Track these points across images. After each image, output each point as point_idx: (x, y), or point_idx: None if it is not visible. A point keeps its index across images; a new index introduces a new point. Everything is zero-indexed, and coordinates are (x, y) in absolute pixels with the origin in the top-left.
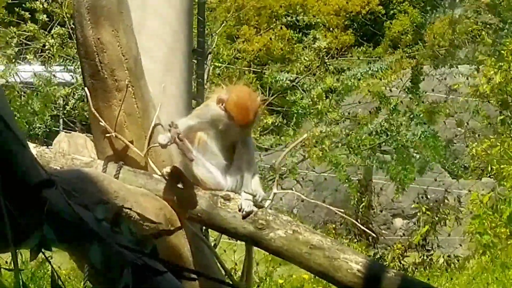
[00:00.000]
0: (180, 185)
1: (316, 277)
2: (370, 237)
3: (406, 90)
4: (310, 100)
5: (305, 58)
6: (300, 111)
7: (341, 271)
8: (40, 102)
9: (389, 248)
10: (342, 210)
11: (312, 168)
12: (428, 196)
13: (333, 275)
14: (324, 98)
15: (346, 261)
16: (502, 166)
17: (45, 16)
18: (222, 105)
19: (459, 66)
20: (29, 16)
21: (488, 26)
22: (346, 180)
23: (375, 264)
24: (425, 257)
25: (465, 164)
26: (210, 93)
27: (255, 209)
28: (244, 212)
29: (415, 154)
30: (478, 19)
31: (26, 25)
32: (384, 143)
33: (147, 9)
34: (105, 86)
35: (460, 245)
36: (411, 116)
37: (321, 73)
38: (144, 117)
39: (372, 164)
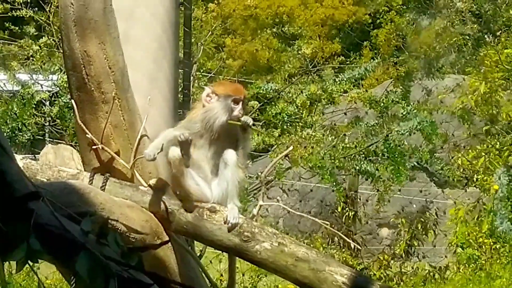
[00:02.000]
0: (165, 197)
1: None
2: (355, 247)
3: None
4: (295, 107)
5: (289, 65)
6: (285, 118)
7: (326, 283)
8: (18, 105)
9: (374, 257)
10: (327, 223)
11: (298, 175)
12: (415, 206)
13: (318, 287)
14: (308, 106)
15: (331, 273)
16: (485, 178)
17: (33, 29)
18: (212, 97)
19: (445, 77)
20: (19, 30)
21: (469, 36)
22: (334, 184)
23: (360, 277)
24: (410, 268)
25: (448, 176)
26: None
27: (240, 221)
28: (230, 224)
29: (407, 152)
30: (462, 30)
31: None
32: (375, 145)
33: (133, 21)
34: (92, 99)
35: (446, 256)
36: (403, 113)
37: (306, 81)
38: (130, 129)
39: (358, 169)
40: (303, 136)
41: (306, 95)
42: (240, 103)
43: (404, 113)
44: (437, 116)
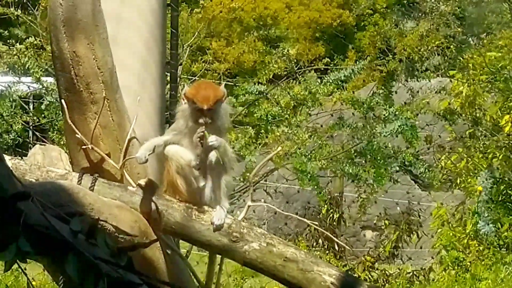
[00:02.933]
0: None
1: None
2: (341, 249)
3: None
4: (279, 109)
5: (273, 65)
6: (270, 119)
7: (314, 283)
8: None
9: (358, 259)
10: (316, 223)
11: (283, 178)
12: (399, 208)
13: None
14: (293, 108)
15: (320, 273)
16: (469, 180)
17: (22, 33)
18: (184, 98)
19: (431, 77)
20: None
21: (453, 39)
22: (315, 187)
23: (349, 277)
24: (395, 269)
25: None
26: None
27: (228, 221)
28: (215, 226)
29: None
30: (446, 33)
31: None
32: (359, 147)
33: (121, 22)
34: (81, 99)
35: (432, 257)
36: (385, 115)
37: (291, 85)
38: (119, 130)
39: (342, 169)
40: (284, 133)
41: (290, 95)
42: (207, 112)
43: (386, 115)
44: (422, 118)
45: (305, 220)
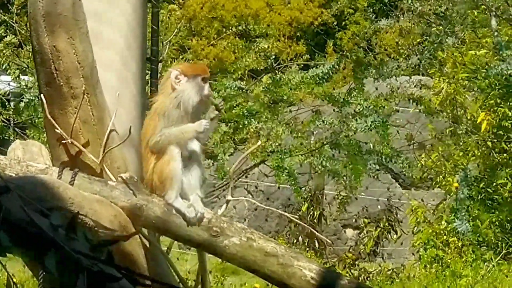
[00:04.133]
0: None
1: (268, 285)
2: (321, 247)
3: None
4: (255, 103)
5: (247, 60)
6: (246, 113)
7: (295, 278)
8: None
9: (338, 257)
10: (296, 216)
11: (264, 175)
12: (379, 207)
13: (287, 282)
14: (271, 103)
15: (300, 268)
16: (448, 178)
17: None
18: (181, 78)
19: (411, 76)
20: None
21: (433, 38)
22: (293, 183)
23: (329, 272)
24: (376, 267)
25: (411, 175)
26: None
27: (206, 217)
28: (198, 215)
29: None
30: (425, 31)
31: None
32: (334, 142)
33: (101, 18)
34: (61, 94)
35: (413, 254)
36: (360, 109)
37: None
38: (99, 124)
39: (320, 163)
40: (261, 129)
41: (263, 88)
42: (208, 82)
43: (360, 109)
44: (402, 116)
45: (286, 214)
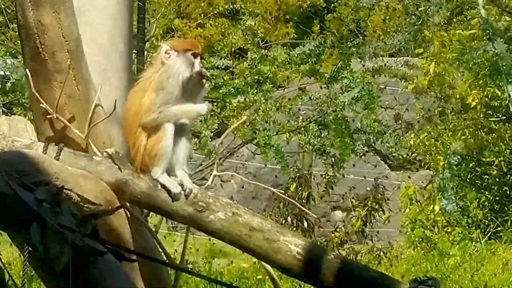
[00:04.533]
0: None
1: (256, 263)
2: (309, 227)
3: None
4: (242, 81)
5: (234, 37)
6: (232, 91)
7: (280, 253)
8: None
9: (327, 237)
10: (283, 191)
11: (252, 155)
12: (368, 188)
13: (273, 258)
14: (257, 82)
15: (286, 243)
16: (438, 157)
17: None
18: (171, 53)
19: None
20: None
21: (419, 17)
22: (279, 160)
23: (315, 247)
24: (364, 247)
25: (398, 155)
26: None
27: (193, 192)
28: (187, 190)
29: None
30: (414, 11)
31: None
32: (321, 120)
33: None
34: (46, 68)
35: (401, 231)
36: (346, 83)
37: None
38: (84, 99)
39: (308, 142)
40: (247, 103)
41: (248, 64)
42: (199, 57)
43: (347, 83)
44: (391, 98)
45: (274, 190)
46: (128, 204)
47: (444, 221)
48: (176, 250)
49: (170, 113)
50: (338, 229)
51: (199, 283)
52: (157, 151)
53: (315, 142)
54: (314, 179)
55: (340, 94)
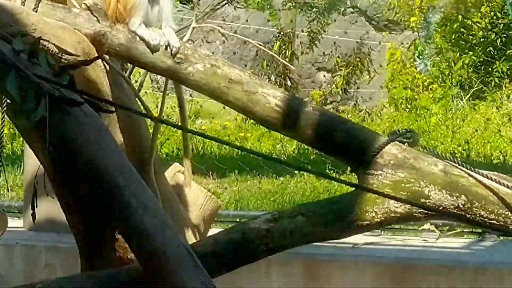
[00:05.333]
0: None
1: (237, 119)
2: (293, 85)
3: None
4: None
5: None
6: None
7: (259, 105)
8: None
9: (309, 97)
10: (262, 43)
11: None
12: (354, 50)
13: (252, 110)
14: None
15: (265, 95)
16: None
17: None
18: None
19: None
20: None
21: None
22: (268, 7)
23: (294, 99)
24: (348, 107)
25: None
26: None
27: (176, 46)
28: (174, 49)
29: None
30: None
31: None
32: None
33: None
34: None
35: (384, 91)
36: None
37: None
38: None
39: None
40: None
41: None
42: None
43: None
44: None
45: (257, 43)
46: (107, 56)
47: (429, 80)
48: (157, 106)
49: None
50: (321, 88)
51: (182, 140)
52: (132, 2)
53: None
54: (297, 38)
55: None
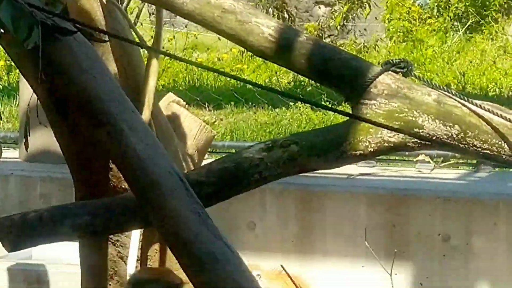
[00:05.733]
0: None
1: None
2: (291, 18)
3: None
4: None
5: None
6: None
7: (252, 35)
8: None
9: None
10: None
11: None
12: None
13: (245, 39)
14: None
15: (258, 25)
16: None
17: None
18: None
19: None
20: None
21: None
22: None
23: (288, 29)
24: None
25: None
26: None
27: None
28: None
29: None
30: None
31: None
32: None
33: None
34: None
35: (383, 26)
36: None
37: None
38: None
39: None
40: None
41: None
42: None
43: None
44: None
45: None
46: None
47: (427, 13)
48: (152, 37)
49: None
50: (319, 22)
51: (178, 72)
52: None
53: None
54: None
55: None
